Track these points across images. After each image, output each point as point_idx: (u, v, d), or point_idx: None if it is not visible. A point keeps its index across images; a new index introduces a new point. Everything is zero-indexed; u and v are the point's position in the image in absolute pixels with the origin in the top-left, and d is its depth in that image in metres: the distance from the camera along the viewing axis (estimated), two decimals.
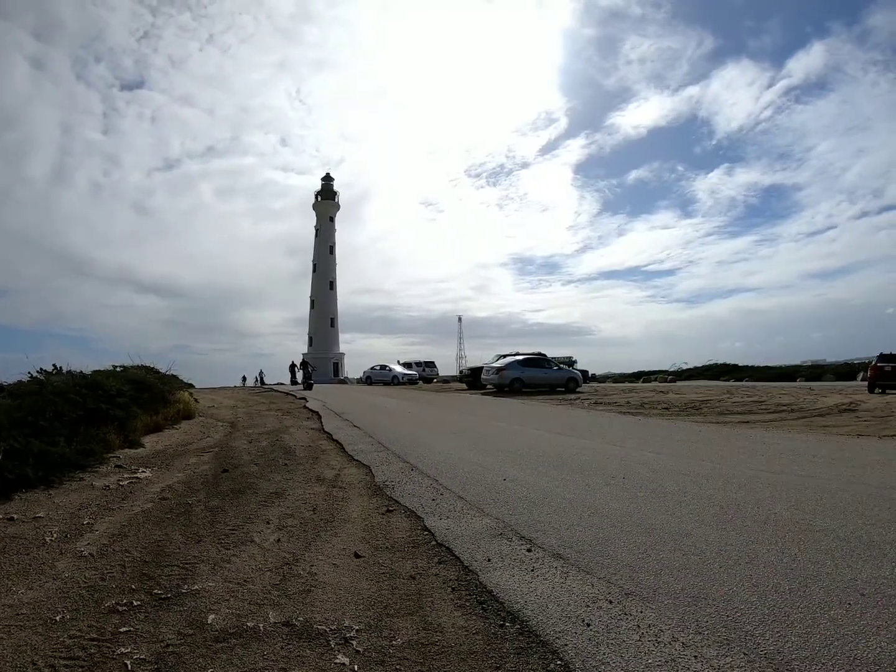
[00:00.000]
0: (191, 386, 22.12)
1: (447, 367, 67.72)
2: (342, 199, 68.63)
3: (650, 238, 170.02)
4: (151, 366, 16.06)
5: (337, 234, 67.25)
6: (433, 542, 4.13)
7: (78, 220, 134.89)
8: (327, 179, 68.20)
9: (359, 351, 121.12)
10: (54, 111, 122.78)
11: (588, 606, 2.94)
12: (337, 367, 62.90)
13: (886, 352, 23.41)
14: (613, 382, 51.39)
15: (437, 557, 3.83)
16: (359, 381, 47.71)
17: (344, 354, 66.04)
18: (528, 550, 3.85)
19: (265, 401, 20.88)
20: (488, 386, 25.87)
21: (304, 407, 16.97)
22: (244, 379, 48.91)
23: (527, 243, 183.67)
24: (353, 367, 62.44)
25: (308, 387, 29.96)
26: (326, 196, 67.09)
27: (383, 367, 41.93)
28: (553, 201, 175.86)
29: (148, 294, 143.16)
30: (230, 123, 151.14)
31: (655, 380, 50.49)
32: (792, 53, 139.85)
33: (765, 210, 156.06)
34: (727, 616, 2.78)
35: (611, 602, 2.98)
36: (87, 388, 9.00)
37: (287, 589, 3.33)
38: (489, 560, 3.69)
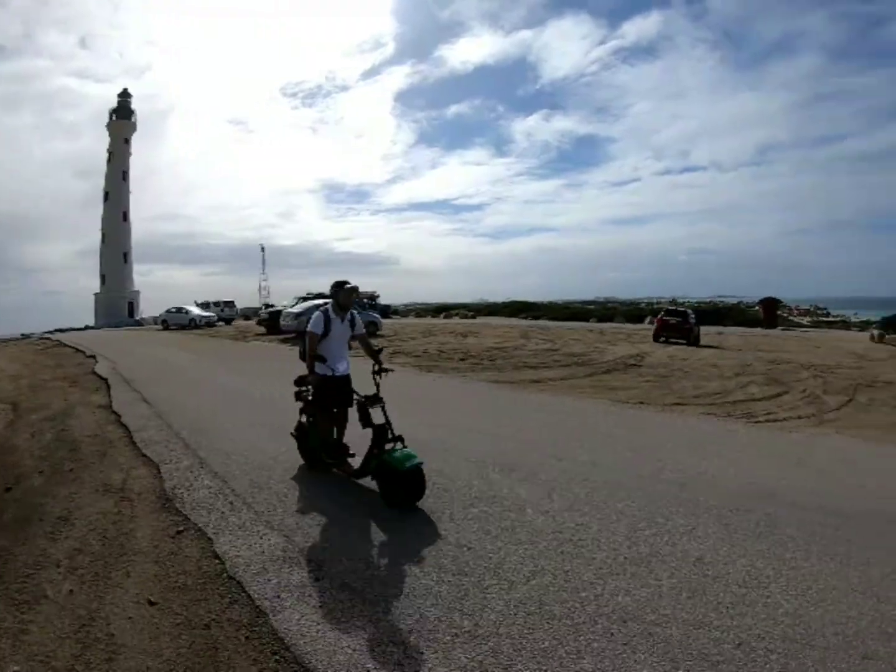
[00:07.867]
0: None
1: (250, 299, 64.69)
2: (143, 112, 61.40)
3: (462, 173, 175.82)
4: None
5: (135, 155, 60.31)
6: (224, 575, 4.17)
7: None
8: (124, 96, 59.77)
9: (158, 283, 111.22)
10: None
11: (373, 651, 3.25)
12: (132, 307, 57.51)
13: (671, 307, 27.56)
14: (416, 317, 53.56)
15: (229, 596, 3.91)
16: (155, 322, 44.79)
17: (139, 292, 60.35)
18: (317, 580, 4.06)
19: (52, 363, 18.60)
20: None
21: (93, 371, 15.39)
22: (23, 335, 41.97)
23: (338, 170, 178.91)
24: (151, 305, 56.51)
25: None
26: (122, 115, 59.16)
27: (179, 310, 39.92)
28: (370, 128, 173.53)
29: None
30: (23, 18, 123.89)
31: (457, 315, 53.20)
32: (629, 17, 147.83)
33: (576, 157, 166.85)
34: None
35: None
36: None
37: (89, 660, 3.31)
38: (279, 596, 3.84)
